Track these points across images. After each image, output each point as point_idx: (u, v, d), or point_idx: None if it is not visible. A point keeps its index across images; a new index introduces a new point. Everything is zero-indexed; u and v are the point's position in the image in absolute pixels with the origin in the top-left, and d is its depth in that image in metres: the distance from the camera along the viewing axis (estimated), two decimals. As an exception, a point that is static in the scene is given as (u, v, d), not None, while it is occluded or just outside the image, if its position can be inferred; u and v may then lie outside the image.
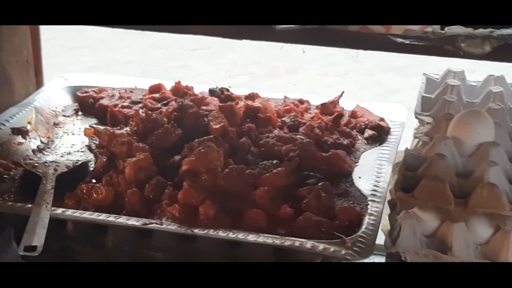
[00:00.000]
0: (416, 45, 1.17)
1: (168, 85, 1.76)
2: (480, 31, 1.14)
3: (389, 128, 1.57)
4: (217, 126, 1.46)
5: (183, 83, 1.74)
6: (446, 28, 1.14)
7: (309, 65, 3.82)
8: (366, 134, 1.55)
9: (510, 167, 1.31)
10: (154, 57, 3.95)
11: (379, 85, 3.66)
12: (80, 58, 3.94)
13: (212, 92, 1.71)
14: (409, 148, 1.41)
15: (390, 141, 1.54)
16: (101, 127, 1.62)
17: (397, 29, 1.15)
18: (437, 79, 1.61)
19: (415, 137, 1.45)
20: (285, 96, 1.71)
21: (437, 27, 1.14)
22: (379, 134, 1.55)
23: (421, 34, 1.15)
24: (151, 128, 1.48)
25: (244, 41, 1.28)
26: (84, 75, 1.90)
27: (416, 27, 1.15)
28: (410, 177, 1.27)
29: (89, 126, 1.64)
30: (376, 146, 1.52)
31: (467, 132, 1.33)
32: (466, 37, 1.14)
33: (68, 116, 1.72)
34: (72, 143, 1.59)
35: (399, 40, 1.17)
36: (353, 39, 1.18)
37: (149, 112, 1.53)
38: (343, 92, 1.69)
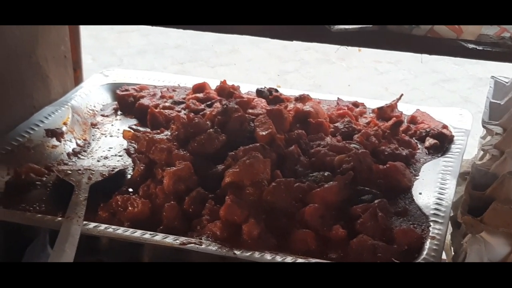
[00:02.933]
0: (491, 51, 1.03)
1: (213, 84, 1.65)
2: None
3: (453, 137, 1.43)
4: (264, 133, 1.34)
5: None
6: (526, 33, 1.01)
7: (361, 51, 3.68)
8: (427, 143, 1.42)
9: None
10: (204, 42, 3.84)
11: (433, 73, 3.50)
12: (130, 41, 3.87)
13: (259, 92, 1.59)
14: (475, 161, 1.27)
15: (454, 151, 1.40)
16: (141, 130, 1.52)
17: (469, 34, 1.02)
18: (507, 82, 1.46)
19: (482, 149, 1.31)
20: (338, 98, 1.59)
21: (516, 32, 1.01)
22: (442, 143, 1.41)
23: (497, 40, 1.01)
24: (193, 133, 1.37)
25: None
26: (125, 71, 1.80)
27: (491, 32, 1.02)
28: (478, 198, 1.14)
29: (128, 128, 1.55)
30: (438, 157, 1.39)
31: (544, 147, 1.19)
32: (550, 43, 1.00)
33: (107, 116, 1.63)
34: (110, 146, 1.49)
35: (471, 46, 1.03)
36: (419, 43, 1.05)
37: (191, 115, 1.42)
38: (401, 95, 1.56)
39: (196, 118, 1.40)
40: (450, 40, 1.03)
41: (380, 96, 3.16)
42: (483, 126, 1.35)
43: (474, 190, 1.16)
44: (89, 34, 3.69)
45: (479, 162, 1.28)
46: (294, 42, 1.19)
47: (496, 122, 1.33)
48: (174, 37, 3.90)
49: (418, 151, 1.40)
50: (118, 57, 3.68)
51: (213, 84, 1.65)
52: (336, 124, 1.45)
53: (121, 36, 3.94)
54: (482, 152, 1.31)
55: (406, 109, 1.56)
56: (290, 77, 3.49)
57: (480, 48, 1.03)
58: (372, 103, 1.58)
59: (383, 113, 1.51)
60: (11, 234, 1.27)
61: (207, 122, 1.42)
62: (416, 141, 1.44)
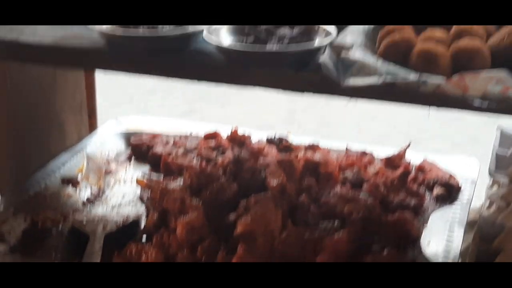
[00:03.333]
0: (496, 107, 1.06)
1: (225, 130, 1.69)
2: None
3: (460, 186, 1.46)
4: (275, 183, 1.37)
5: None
6: (531, 91, 1.04)
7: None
8: (435, 193, 1.45)
9: None
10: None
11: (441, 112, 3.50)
12: (140, 80, 3.89)
13: (270, 141, 1.63)
14: (483, 211, 1.29)
15: (461, 200, 1.42)
16: (154, 176, 1.55)
17: (475, 90, 1.05)
18: (514, 133, 1.49)
19: (489, 199, 1.34)
20: (347, 147, 1.62)
21: (520, 90, 1.04)
22: (449, 192, 1.44)
23: (503, 97, 1.04)
24: (205, 182, 1.40)
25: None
26: (139, 118, 1.84)
27: (496, 89, 1.05)
28: (485, 250, 1.16)
29: (142, 175, 1.58)
30: (446, 206, 1.41)
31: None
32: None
33: (121, 163, 1.66)
34: (124, 193, 1.53)
35: (477, 101, 1.06)
36: (426, 98, 1.08)
37: (204, 163, 1.46)
38: (409, 143, 1.59)
39: (208, 167, 1.43)
40: (456, 97, 1.06)
41: (388, 135, 3.19)
42: (490, 175, 1.38)
43: (481, 241, 1.18)
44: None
45: (486, 212, 1.30)
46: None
47: (503, 172, 1.36)
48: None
49: (426, 200, 1.43)
50: (129, 95, 3.71)
51: (225, 130, 1.69)
52: (345, 174, 1.48)
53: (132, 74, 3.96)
54: (488, 202, 1.34)
55: (414, 157, 1.59)
56: (300, 116, 3.50)
57: (486, 103, 1.06)
58: (381, 150, 1.61)
59: (391, 162, 1.54)
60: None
61: (219, 171, 1.45)
62: (424, 190, 1.47)
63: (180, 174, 1.51)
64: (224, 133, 1.68)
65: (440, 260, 1.23)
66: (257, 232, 1.24)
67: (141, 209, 1.45)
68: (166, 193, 1.38)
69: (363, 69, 1.15)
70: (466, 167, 1.54)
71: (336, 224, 1.30)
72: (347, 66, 1.17)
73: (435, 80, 1.07)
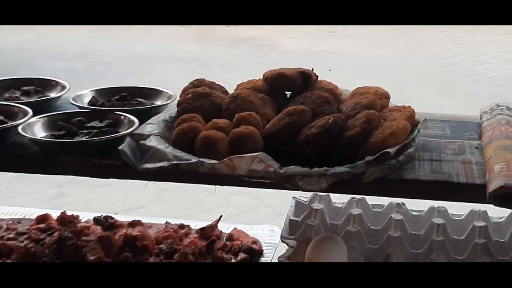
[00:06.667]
0: (261, 182, 1.28)
1: (56, 215, 1.83)
2: (316, 170, 1.26)
3: (262, 251, 1.67)
4: (92, 258, 1.53)
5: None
6: (285, 168, 1.26)
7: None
8: (239, 258, 1.65)
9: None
10: None
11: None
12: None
13: (96, 220, 1.78)
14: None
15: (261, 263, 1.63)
16: (-17, 261, 1.67)
17: (241, 170, 1.27)
18: (306, 202, 1.72)
19: (279, 261, 1.55)
20: (166, 222, 1.80)
21: (277, 167, 1.26)
22: (252, 256, 1.64)
23: (264, 174, 1.26)
24: (31, 261, 1.54)
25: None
26: (-24, 205, 1.95)
27: (259, 167, 1.27)
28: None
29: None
30: (247, 269, 1.61)
31: (321, 256, 1.43)
32: (304, 175, 1.26)
33: (-44, 249, 1.77)
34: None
35: (246, 178, 1.28)
36: (204, 177, 1.29)
37: (29, 245, 1.60)
38: (221, 216, 1.79)
39: (32, 248, 1.57)
40: (228, 176, 1.27)
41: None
42: (282, 241, 1.59)
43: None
44: None
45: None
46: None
47: (292, 237, 1.58)
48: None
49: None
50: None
51: (56, 215, 1.83)
52: (160, 246, 1.65)
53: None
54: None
55: (226, 228, 1.79)
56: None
57: (254, 180, 1.28)
58: (198, 224, 1.80)
59: (205, 233, 1.73)
60: None
61: (46, 250, 1.60)
62: (231, 256, 1.66)
63: (9, 256, 1.64)
64: (55, 215, 1.83)
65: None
66: (72, 303, 1.39)
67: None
68: (-8, 274, 1.50)
69: (156, 155, 1.34)
70: (270, 233, 1.76)
71: (146, 291, 1.46)
72: (143, 152, 1.36)
73: (210, 162, 1.28)
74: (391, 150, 1.29)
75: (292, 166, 1.26)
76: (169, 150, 1.33)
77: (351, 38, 6.78)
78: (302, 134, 1.37)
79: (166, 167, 1.30)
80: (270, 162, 1.27)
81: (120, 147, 1.34)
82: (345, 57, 6.13)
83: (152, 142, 1.37)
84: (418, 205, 1.72)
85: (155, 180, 1.35)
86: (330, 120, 1.37)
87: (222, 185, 1.32)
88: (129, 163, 1.33)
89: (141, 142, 1.37)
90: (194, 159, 1.29)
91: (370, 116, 1.38)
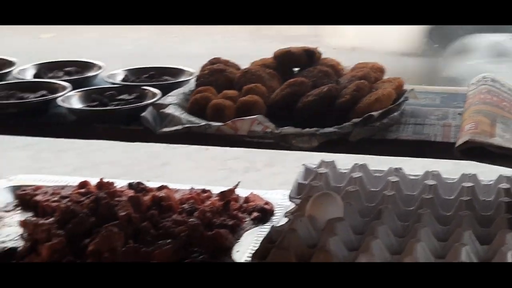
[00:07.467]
0: (261, 142, 1.48)
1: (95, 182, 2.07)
2: (307, 130, 1.45)
3: (273, 211, 1.87)
4: (122, 214, 1.76)
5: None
6: (280, 129, 1.46)
7: (285, 158, 4.00)
8: (252, 216, 1.85)
9: (354, 238, 1.60)
10: (137, 156, 4.10)
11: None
12: (66, 160, 4.09)
13: (130, 185, 2.01)
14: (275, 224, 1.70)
15: (272, 221, 1.83)
16: (32, 219, 1.91)
17: (243, 130, 1.47)
18: (314, 168, 1.91)
19: (285, 216, 1.74)
20: (191, 187, 2.02)
21: (273, 128, 1.46)
22: (264, 215, 1.85)
23: (263, 134, 1.46)
24: (69, 218, 1.78)
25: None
26: (27, 176, 2.20)
27: (258, 128, 1.47)
28: (268, 248, 1.56)
29: (25, 218, 1.94)
30: (259, 226, 1.82)
31: (319, 211, 1.62)
32: (296, 135, 1.45)
33: (8, 211, 2.02)
34: (8, 234, 1.88)
35: (248, 138, 1.48)
36: (212, 139, 1.50)
37: (69, 204, 1.83)
38: (239, 182, 1.99)
39: (72, 206, 1.81)
40: (231, 136, 1.48)
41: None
42: (290, 200, 1.79)
43: (268, 243, 1.58)
44: (28, 155, 4.01)
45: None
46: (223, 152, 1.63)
47: (299, 197, 1.78)
48: (109, 154, 4.14)
49: (244, 222, 1.83)
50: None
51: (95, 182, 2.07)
52: (183, 205, 1.87)
53: (58, 155, 4.18)
54: (286, 219, 1.74)
55: (245, 193, 1.99)
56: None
57: (255, 140, 1.48)
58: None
59: (224, 196, 1.94)
60: None
61: (84, 210, 1.83)
62: (246, 215, 1.87)
63: (52, 215, 1.88)
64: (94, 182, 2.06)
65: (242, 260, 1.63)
66: (102, 249, 1.62)
67: (20, 243, 1.81)
68: (37, 228, 1.75)
69: (173, 120, 1.56)
70: (283, 197, 1.95)
71: (168, 241, 1.68)
72: (162, 119, 1.57)
73: (216, 124, 1.48)
74: (375, 113, 1.48)
75: (287, 127, 1.46)
76: (183, 116, 1.54)
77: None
78: (301, 102, 1.56)
79: (180, 130, 1.51)
80: (267, 124, 1.46)
81: (142, 114, 1.56)
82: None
83: (170, 110, 1.58)
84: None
85: (171, 143, 1.57)
86: (325, 89, 1.56)
87: (227, 146, 1.53)
88: (150, 128, 1.55)
89: (161, 110, 1.59)
90: (203, 122, 1.50)
91: (360, 85, 1.56)
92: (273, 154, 3.91)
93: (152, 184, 2.05)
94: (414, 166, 1.96)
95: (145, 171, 3.91)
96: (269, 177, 3.82)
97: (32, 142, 3.76)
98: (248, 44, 6.69)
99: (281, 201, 1.94)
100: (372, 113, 1.48)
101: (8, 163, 2.33)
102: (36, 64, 1.91)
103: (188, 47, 6.55)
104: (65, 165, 4.05)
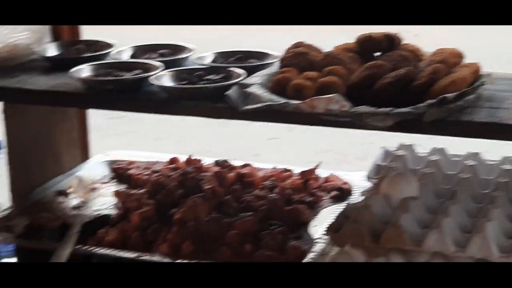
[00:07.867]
0: (338, 121, 1.56)
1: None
2: (382, 109, 1.51)
3: (350, 190, 1.94)
4: (207, 187, 1.87)
5: None
6: (356, 108, 1.53)
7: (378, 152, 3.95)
8: (330, 194, 1.93)
9: (427, 217, 1.65)
10: (232, 147, 4.19)
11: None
12: (165, 147, 4.16)
13: (216, 163, 2.13)
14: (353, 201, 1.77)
15: (350, 200, 1.90)
16: (125, 190, 2.05)
17: (320, 108, 1.54)
18: (393, 151, 1.97)
19: (362, 195, 1.81)
20: (273, 167, 2.11)
21: (349, 107, 1.53)
22: (342, 194, 1.92)
23: (339, 112, 1.54)
24: (159, 189, 1.91)
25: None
26: (122, 152, 2.36)
27: (335, 107, 1.54)
28: (342, 222, 1.63)
29: (119, 189, 2.08)
30: (336, 204, 1.89)
31: (394, 190, 1.68)
32: (371, 114, 1.52)
33: (105, 183, 2.17)
34: (104, 203, 2.03)
35: (324, 117, 1.56)
36: (291, 116, 1.58)
37: (161, 178, 1.96)
38: (320, 162, 2.07)
39: (161, 178, 1.94)
40: (308, 114, 1.55)
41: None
42: (368, 180, 1.86)
43: (343, 217, 1.66)
44: (124, 141, 4.16)
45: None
46: (314, 145, 1.73)
47: (376, 177, 1.84)
48: (206, 143, 4.17)
49: (322, 200, 1.91)
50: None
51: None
52: (265, 182, 1.97)
53: (158, 143, 4.29)
54: (364, 197, 1.81)
55: (326, 173, 2.07)
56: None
57: (332, 119, 1.55)
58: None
59: (304, 175, 2.02)
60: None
61: (173, 183, 1.96)
62: (325, 193, 1.94)
63: (144, 187, 2.01)
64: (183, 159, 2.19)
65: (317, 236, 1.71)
66: (187, 218, 1.74)
67: (114, 212, 1.95)
68: (129, 197, 1.89)
69: (255, 99, 1.65)
70: (361, 179, 2.02)
71: (249, 214, 1.78)
72: (246, 97, 1.67)
73: (294, 102, 1.57)
74: (449, 95, 1.52)
75: (362, 106, 1.53)
76: (265, 94, 1.63)
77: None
78: (378, 83, 1.62)
79: (261, 107, 1.60)
80: (343, 103, 1.54)
81: (227, 92, 1.66)
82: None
83: (253, 89, 1.67)
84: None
85: (253, 120, 1.66)
86: (402, 72, 1.62)
87: (304, 124, 1.61)
88: (233, 105, 1.65)
89: (245, 89, 1.68)
90: (283, 100, 1.59)
91: (437, 69, 1.61)
92: (366, 147, 3.96)
93: (237, 163, 2.16)
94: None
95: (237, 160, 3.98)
96: (360, 170, 3.79)
97: (129, 129, 3.87)
98: (310, 37, 6.63)
99: (359, 182, 2.00)
100: (447, 95, 1.52)
101: (106, 148, 2.52)
102: (133, 46, 2.05)
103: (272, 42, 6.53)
104: (164, 151, 4.12)
